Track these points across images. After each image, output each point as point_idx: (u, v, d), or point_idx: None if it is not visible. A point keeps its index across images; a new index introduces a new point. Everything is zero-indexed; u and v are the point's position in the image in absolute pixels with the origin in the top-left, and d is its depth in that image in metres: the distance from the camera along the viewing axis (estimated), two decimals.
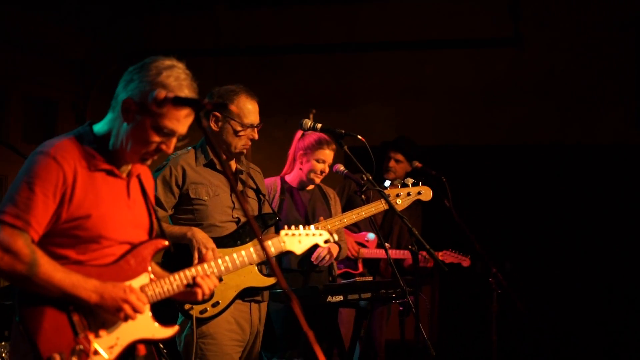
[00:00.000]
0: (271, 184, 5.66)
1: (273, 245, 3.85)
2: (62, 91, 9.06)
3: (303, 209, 5.78)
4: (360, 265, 6.53)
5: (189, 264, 4.34)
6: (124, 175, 3.20)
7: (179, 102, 3.02)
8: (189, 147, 4.72)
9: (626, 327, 8.68)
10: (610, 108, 8.80)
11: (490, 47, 8.98)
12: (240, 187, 4.80)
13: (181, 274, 3.28)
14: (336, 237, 4.15)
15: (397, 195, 5.16)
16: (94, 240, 3.07)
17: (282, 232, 3.87)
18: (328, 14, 9.54)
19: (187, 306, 4.39)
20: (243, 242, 4.59)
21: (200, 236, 4.42)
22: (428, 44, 9.13)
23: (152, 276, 3.21)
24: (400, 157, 6.94)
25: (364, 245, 6.57)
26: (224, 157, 4.72)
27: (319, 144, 5.67)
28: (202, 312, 4.43)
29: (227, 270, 3.52)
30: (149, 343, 3.26)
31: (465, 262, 6.87)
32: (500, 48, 8.95)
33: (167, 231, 4.26)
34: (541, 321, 8.66)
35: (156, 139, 3.06)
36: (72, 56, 9.13)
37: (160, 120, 3.02)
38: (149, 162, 3.17)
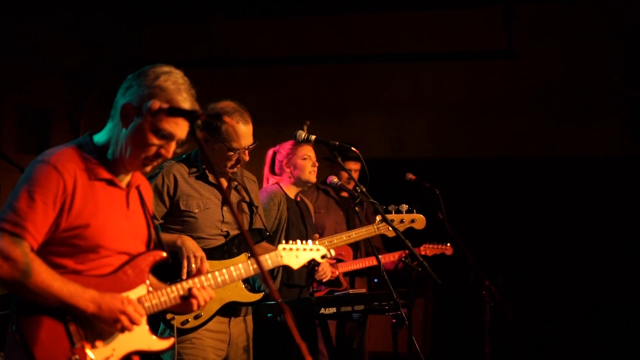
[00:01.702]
0: (276, 192, 5.64)
1: (270, 259, 3.81)
2: (56, 101, 9.06)
3: (302, 221, 5.78)
4: (343, 281, 6.49)
5: (178, 272, 4.35)
6: (124, 185, 3.20)
7: (173, 112, 3.02)
8: (183, 156, 4.64)
9: (618, 338, 8.69)
10: (604, 120, 8.83)
11: (484, 59, 9.01)
12: (233, 199, 4.76)
13: (178, 285, 3.27)
14: (333, 253, 4.12)
15: (392, 221, 5.11)
16: (93, 250, 3.06)
17: (280, 247, 3.85)
18: (322, 25, 9.57)
19: (169, 316, 4.35)
20: (231, 256, 4.56)
21: (189, 244, 4.38)
22: (422, 56, 9.14)
23: (150, 288, 3.20)
24: (358, 165, 6.88)
25: (339, 260, 6.53)
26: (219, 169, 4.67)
27: (296, 144, 5.68)
28: (183, 323, 4.40)
29: (224, 282, 3.49)
30: (145, 355, 3.24)
31: (448, 251, 6.85)
32: (494, 60, 8.97)
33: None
34: (534, 334, 8.66)
35: (155, 141, 3.05)
36: (67, 66, 9.13)
37: (158, 122, 3.03)
38: (148, 169, 3.16)
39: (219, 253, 4.53)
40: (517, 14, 8.68)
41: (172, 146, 3.10)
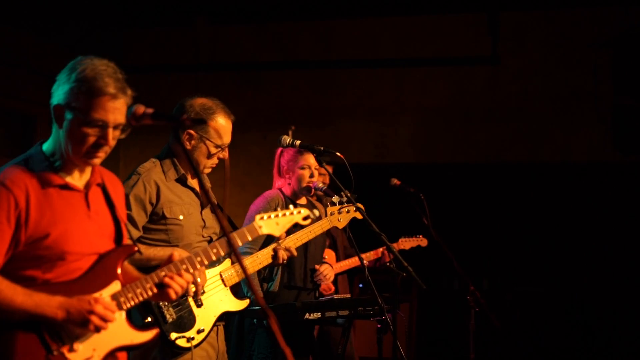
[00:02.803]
0: (274, 197, 5.61)
1: (248, 232, 3.64)
2: (40, 105, 8.99)
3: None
4: (331, 285, 6.49)
5: None
6: (81, 186, 3.17)
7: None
8: (153, 160, 4.51)
9: (604, 342, 8.71)
10: (588, 126, 8.86)
11: (469, 65, 9.02)
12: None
13: (153, 275, 3.23)
14: (317, 214, 4.01)
15: (339, 212, 5.16)
16: (59, 257, 3.04)
17: (257, 217, 3.67)
18: (307, 31, 9.58)
19: (173, 335, 4.28)
20: (214, 264, 4.49)
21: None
22: (406, 62, 9.16)
23: (121, 281, 3.16)
24: (330, 169, 6.86)
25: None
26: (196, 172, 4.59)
27: (299, 152, 5.60)
28: (189, 340, 4.34)
29: (201, 264, 3.38)
30: (129, 349, 3.22)
31: (423, 242, 6.94)
32: (479, 66, 8.99)
33: (150, 254, 4.18)
34: (518, 339, 8.67)
35: (89, 132, 3.02)
36: (51, 71, 9.06)
37: (87, 114, 3.01)
38: (98, 161, 3.12)
39: None
40: (502, 21, 8.71)
41: (110, 133, 3.05)
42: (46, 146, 3.16)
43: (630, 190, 8.80)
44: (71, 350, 3.02)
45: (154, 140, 8.69)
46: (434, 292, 6.72)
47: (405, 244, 6.92)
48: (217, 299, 4.42)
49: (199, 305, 4.33)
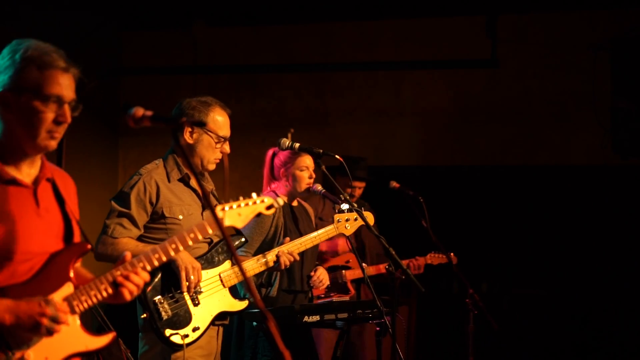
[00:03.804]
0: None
1: (210, 226, 3.34)
2: None
3: (297, 227, 5.70)
4: (350, 288, 6.49)
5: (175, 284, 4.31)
6: (29, 182, 3.00)
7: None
8: (156, 162, 4.60)
9: (603, 346, 8.71)
10: (586, 129, 8.85)
11: (467, 67, 9.02)
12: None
13: (108, 275, 3.02)
14: (281, 202, 3.89)
15: (347, 220, 5.14)
16: (5, 257, 2.88)
17: (218, 208, 3.36)
18: (305, 33, 9.58)
19: (167, 332, 4.29)
20: (213, 265, 4.51)
21: (184, 255, 4.28)
22: (404, 64, 9.16)
23: (74, 283, 3.00)
24: (363, 184, 6.97)
25: (346, 267, 6.52)
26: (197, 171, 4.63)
27: (295, 153, 5.56)
28: (183, 337, 4.34)
29: (159, 261, 3.16)
30: (85, 356, 3.05)
31: (453, 260, 6.90)
32: (477, 69, 8.99)
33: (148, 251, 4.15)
34: (517, 341, 8.67)
35: (46, 109, 2.88)
36: None
37: (40, 92, 2.88)
38: (54, 144, 2.96)
39: (206, 262, 4.48)
40: (501, 23, 8.71)
41: (66, 110, 2.93)
42: None
43: (629, 193, 8.79)
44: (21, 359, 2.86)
45: (152, 143, 8.71)
46: (433, 295, 6.71)
47: (434, 259, 6.88)
48: (215, 298, 4.46)
49: (195, 304, 4.37)
